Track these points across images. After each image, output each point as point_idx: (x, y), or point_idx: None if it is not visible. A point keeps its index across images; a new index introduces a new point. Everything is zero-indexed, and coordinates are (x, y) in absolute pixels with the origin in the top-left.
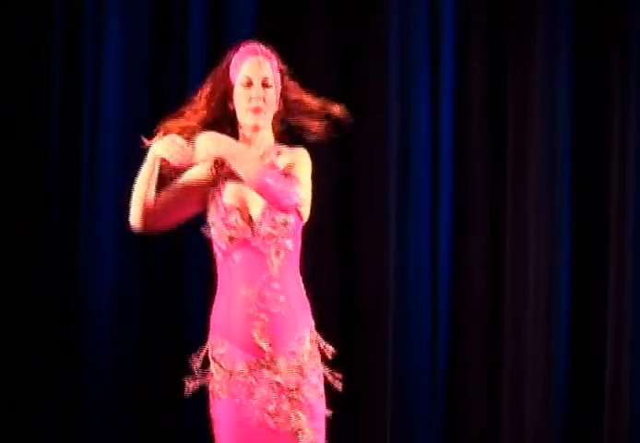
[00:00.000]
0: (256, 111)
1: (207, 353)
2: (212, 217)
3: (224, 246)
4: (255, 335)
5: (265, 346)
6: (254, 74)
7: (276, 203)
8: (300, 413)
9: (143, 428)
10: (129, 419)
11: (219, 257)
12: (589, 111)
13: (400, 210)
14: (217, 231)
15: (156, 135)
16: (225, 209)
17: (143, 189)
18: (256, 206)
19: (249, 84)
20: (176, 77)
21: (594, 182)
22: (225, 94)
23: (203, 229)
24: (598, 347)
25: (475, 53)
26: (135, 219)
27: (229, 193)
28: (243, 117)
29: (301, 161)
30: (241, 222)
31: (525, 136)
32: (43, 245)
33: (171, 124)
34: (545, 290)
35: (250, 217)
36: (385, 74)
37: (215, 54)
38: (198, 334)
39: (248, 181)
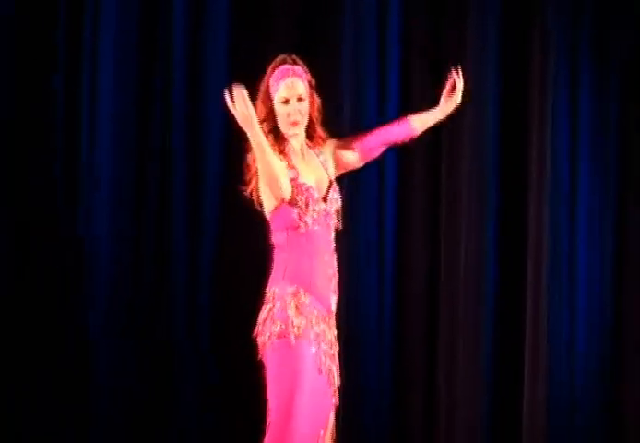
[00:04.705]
0: (295, 123)
1: (276, 301)
2: (291, 197)
3: (310, 221)
4: (331, 292)
5: (333, 304)
6: (290, 94)
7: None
8: (334, 369)
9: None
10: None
11: (296, 229)
12: (512, 116)
13: (350, 196)
14: (299, 209)
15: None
16: (307, 189)
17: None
18: (325, 185)
19: (286, 102)
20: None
21: (515, 184)
22: (271, 107)
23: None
24: (518, 338)
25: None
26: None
27: (303, 174)
28: (285, 128)
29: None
30: (320, 199)
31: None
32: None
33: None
34: (474, 280)
35: (324, 195)
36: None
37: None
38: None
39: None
